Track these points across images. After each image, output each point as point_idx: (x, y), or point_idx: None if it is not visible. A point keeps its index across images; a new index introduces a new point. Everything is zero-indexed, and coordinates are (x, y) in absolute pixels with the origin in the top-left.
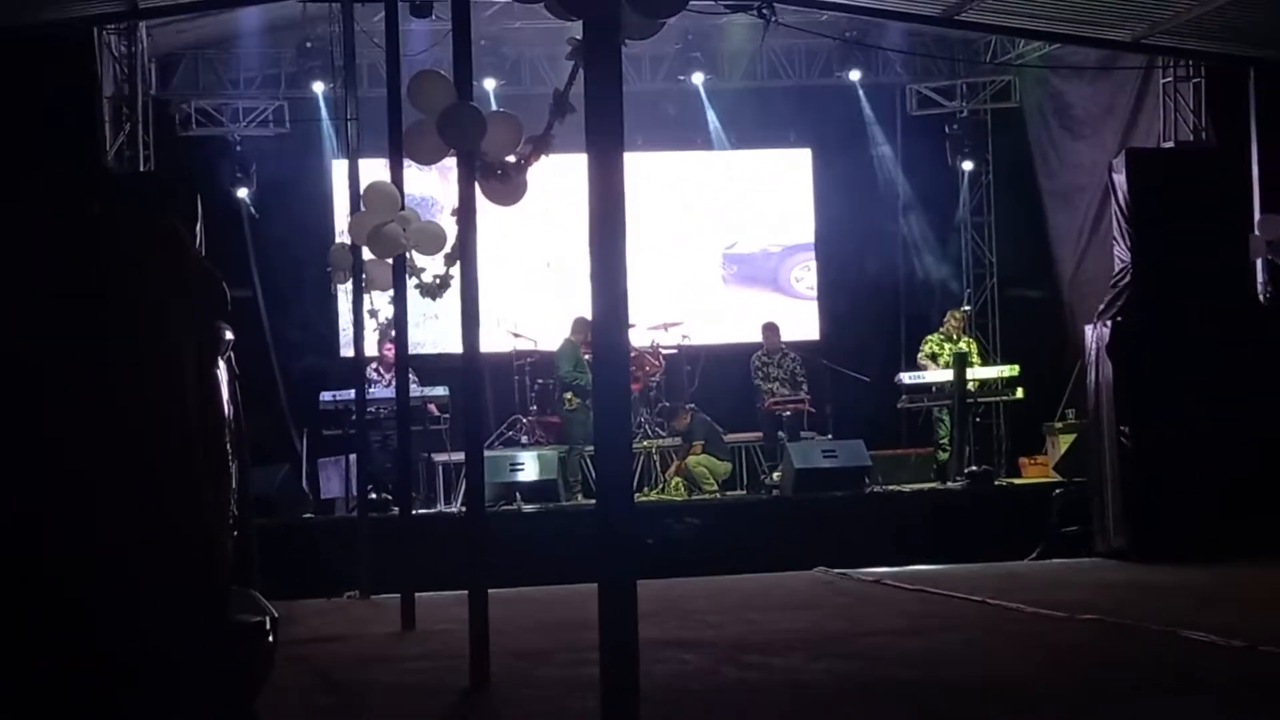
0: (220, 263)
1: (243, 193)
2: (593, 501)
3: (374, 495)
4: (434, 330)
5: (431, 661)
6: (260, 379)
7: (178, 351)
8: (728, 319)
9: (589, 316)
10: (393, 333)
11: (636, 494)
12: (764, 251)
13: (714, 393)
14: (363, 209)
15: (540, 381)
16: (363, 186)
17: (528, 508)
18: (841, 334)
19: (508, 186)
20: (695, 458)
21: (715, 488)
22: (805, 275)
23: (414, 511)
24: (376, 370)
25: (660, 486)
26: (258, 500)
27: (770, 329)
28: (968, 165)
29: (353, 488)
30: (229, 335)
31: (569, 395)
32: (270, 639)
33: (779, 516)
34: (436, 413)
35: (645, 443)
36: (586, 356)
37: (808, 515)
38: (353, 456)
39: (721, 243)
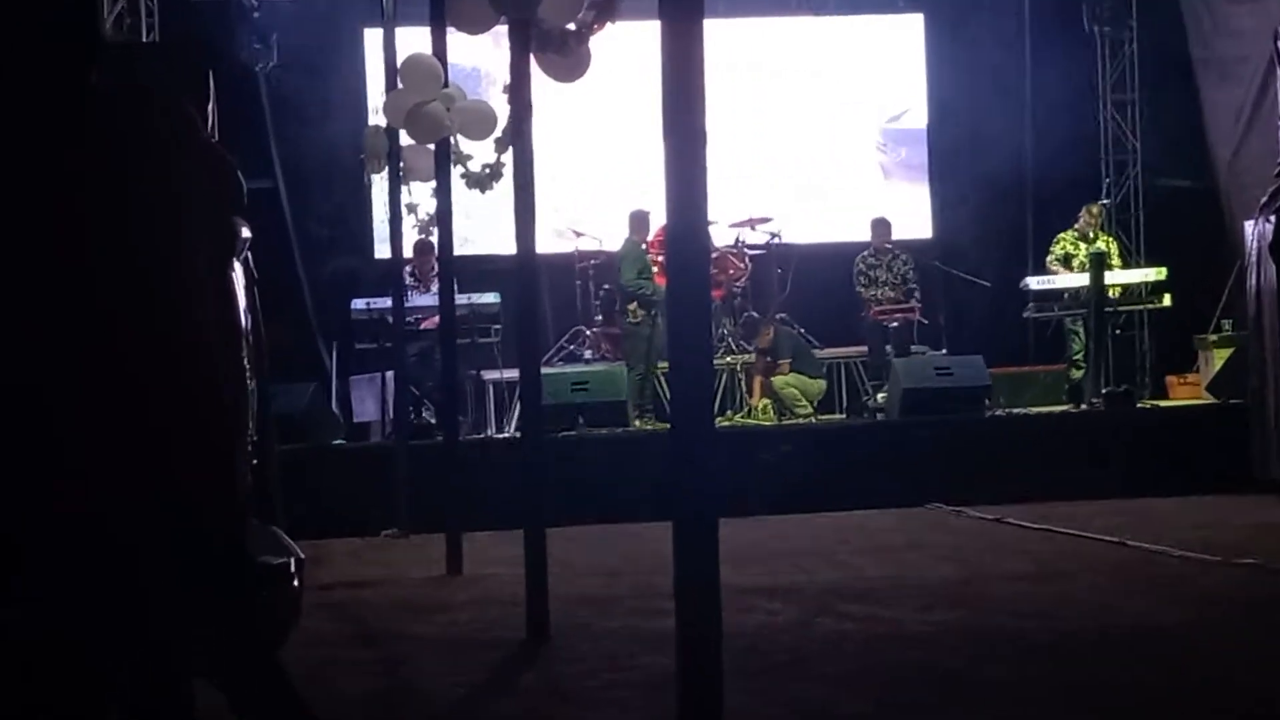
0: (235, 147)
1: (261, 66)
2: (666, 426)
3: (415, 418)
4: (483, 227)
5: (481, 610)
6: (282, 284)
7: (188, 249)
8: (825, 214)
9: (654, 211)
10: (435, 230)
11: (717, 418)
12: (867, 135)
13: (809, 300)
14: (400, 86)
15: (606, 288)
16: (400, 59)
17: (593, 433)
18: (958, 232)
19: (568, 59)
20: (782, 377)
21: (809, 410)
22: (916, 163)
23: (461, 437)
24: (414, 274)
25: (745, 409)
26: (280, 423)
27: (880, 225)
28: (1108, 32)
29: (390, 410)
30: (246, 233)
31: (632, 307)
32: (296, 583)
33: (884, 444)
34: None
35: (728, 359)
36: (653, 258)
37: (917, 443)
38: (389, 374)
39: (817, 125)
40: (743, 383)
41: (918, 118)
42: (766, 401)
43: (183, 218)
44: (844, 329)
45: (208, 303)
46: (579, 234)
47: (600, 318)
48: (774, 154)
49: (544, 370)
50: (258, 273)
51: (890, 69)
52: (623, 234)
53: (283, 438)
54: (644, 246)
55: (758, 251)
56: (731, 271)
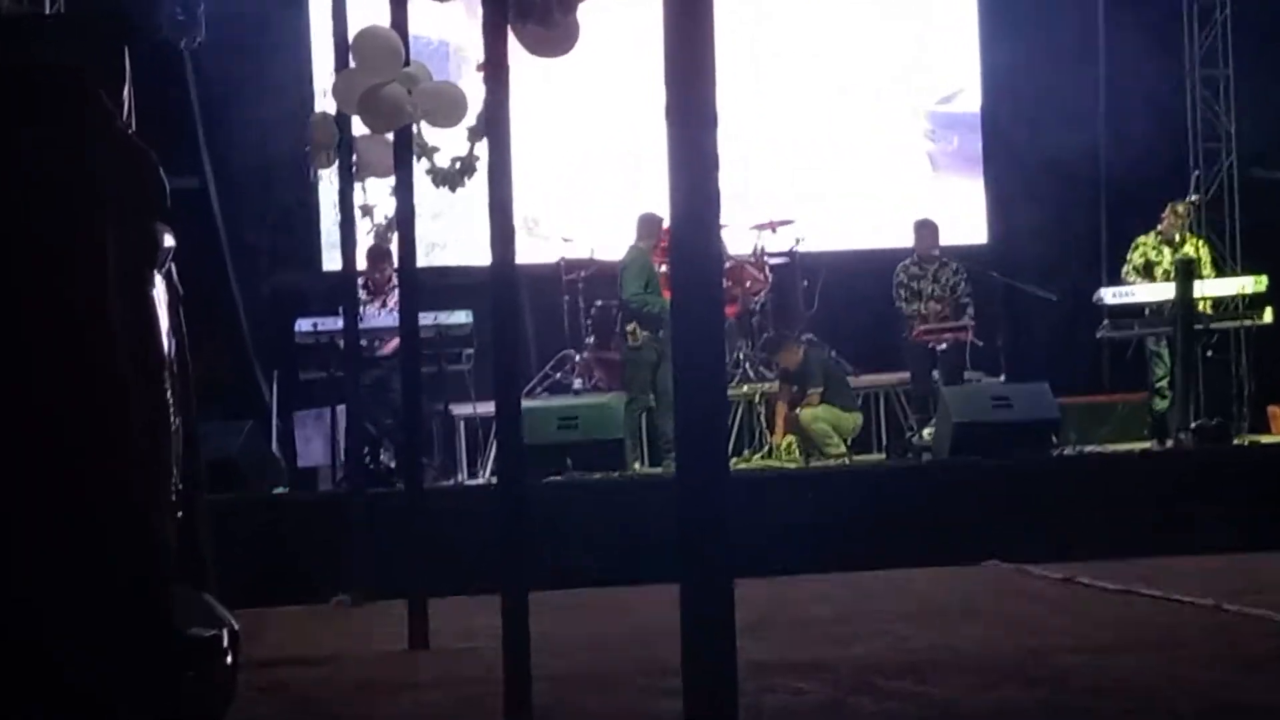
0: (156, 139)
1: (186, 42)
2: (672, 469)
3: (371, 462)
4: (452, 233)
5: (451, 691)
6: (214, 301)
7: (98, 260)
8: (860, 215)
9: (661, 214)
10: (394, 236)
11: (734, 459)
12: (912, 121)
13: (842, 318)
14: (352, 64)
15: (599, 304)
16: (352, 32)
17: (584, 478)
18: (1018, 236)
19: (552, 31)
20: (811, 410)
21: (841, 449)
22: (970, 153)
23: (426, 485)
24: (368, 287)
25: (766, 448)
26: (211, 468)
27: (925, 229)
28: None
29: (341, 452)
30: (169, 241)
31: (632, 327)
32: (229, 660)
33: (931, 489)
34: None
35: (745, 388)
36: (663, 269)
37: (972, 487)
38: (341, 409)
39: (852, 108)
40: (763, 416)
41: (972, 100)
42: (791, 439)
43: (91, 223)
44: (883, 352)
45: (121, 325)
46: (566, 240)
47: (592, 340)
48: (799, 143)
49: (525, 403)
50: (184, 288)
51: (939, 41)
52: (620, 240)
53: (214, 486)
54: (652, 256)
55: (780, 260)
56: (749, 284)
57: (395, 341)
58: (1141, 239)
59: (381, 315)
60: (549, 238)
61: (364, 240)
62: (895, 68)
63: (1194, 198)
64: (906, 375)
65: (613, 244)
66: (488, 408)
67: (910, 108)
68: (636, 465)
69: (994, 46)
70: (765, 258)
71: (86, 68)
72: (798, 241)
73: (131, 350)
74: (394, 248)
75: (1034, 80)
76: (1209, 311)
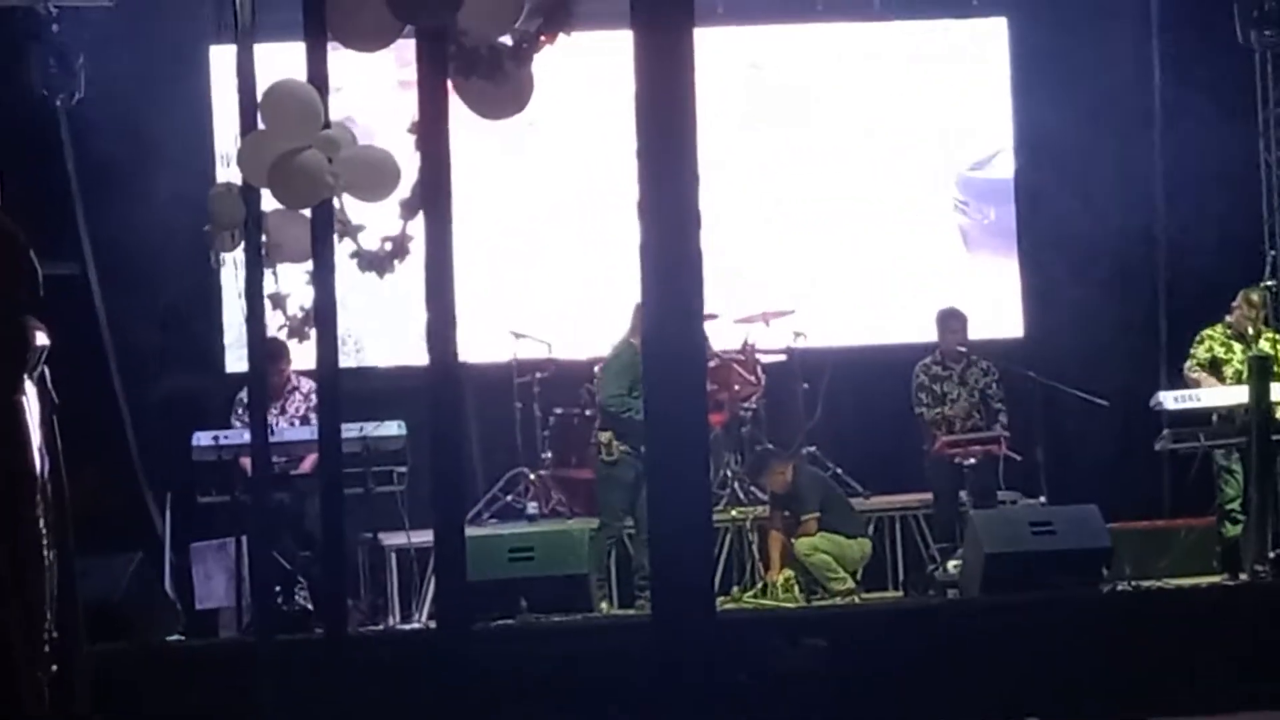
0: (27, 217)
1: (62, 99)
2: (646, 612)
3: (283, 603)
4: (382, 328)
5: None
6: (94, 410)
7: None
8: (872, 303)
9: None
10: (310, 331)
11: (722, 598)
12: (931, 190)
13: (848, 426)
14: (261, 125)
15: (558, 412)
16: (261, 88)
17: (541, 621)
18: (1061, 328)
19: (501, 87)
20: (808, 539)
21: (848, 585)
22: (1006, 228)
23: (351, 630)
24: (282, 394)
25: (760, 584)
26: (92, 612)
27: (951, 320)
28: (1270, 39)
29: (247, 591)
30: (42, 339)
31: (607, 438)
32: None
33: (958, 634)
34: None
35: (734, 512)
36: None
37: (1007, 631)
38: (246, 540)
39: (866, 175)
40: (756, 546)
41: (1003, 163)
42: (789, 574)
43: None
44: (900, 468)
45: None
46: (519, 335)
47: (550, 455)
48: (800, 218)
49: (470, 531)
50: (59, 396)
51: (970, 94)
52: (585, 336)
53: (95, 634)
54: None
55: (775, 358)
56: (737, 388)
57: (310, 459)
58: (1208, 332)
59: (286, 426)
60: (498, 333)
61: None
62: (918, 125)
63: (1270, 283)
64: (928, 496)
65: (576, 341)
66: (425, 537)
67: (936, 174)
68: (605, 605)
69: (1027, 101)
70: (757, 355)
71: None
72: (796, 336)
73: None
74: (308, 344)
75: (1076, 139)
76: None
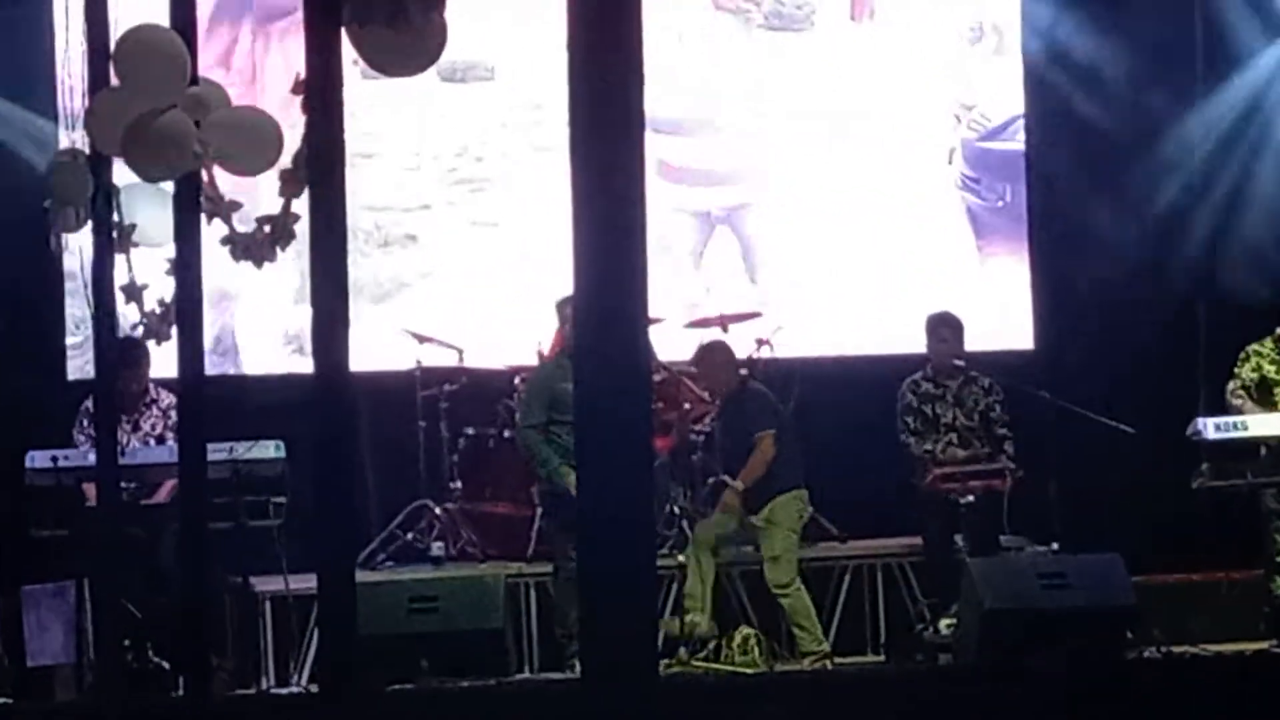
0: None
1: None
2: (574, 675)
3: (134, 660)
4: (256, 328)
5: None
6: None
7: None
8: (852, 306)
9: None
10: (170, 331)
11: (666, 660)
12: (925, 179)
13: (821, 455)
14: (115, 81)
15: (470, 433)
16: (114, 35)
17: (447, 687)
18: (1076, 343)
19: (405, 36)
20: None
21: (821, 646)
22: (1006, 227)
23: (215, 693)
24: (136, 405)
25: (712, 646)
26: None
27: (943, 328)
28: None
29: (90, 645)
30: None
31: (542, 463)
32: None
33: (951, 706)
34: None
35: (681, 556)
36: None
37: (1009, 704)
38: (87, 584)
39: (839, 160)
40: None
41: (1011, 142)
42: (747, 632)
43: None
44: (883, 507)
45: None
46: (423, 339)
47: (460, 485)
48: (768, 202)
49: (362, 576)
50: None
51: (965, 69)
52: (502, 341)
53: None
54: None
55: None
56: (688, 406)
57: (169, 485)
58: (1256, 348)
59: (137, 445)
60: (398, 336)
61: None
62: (907, 108)
63: None
64: (917, 540)
65: (493, 346)
66: (306, 583)
67: (925, 162)
68: (523, 668)
69: (1041, 79)
70: None
71: None
72: (760, 345)
73: None
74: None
75: (1098, 125)
76: None
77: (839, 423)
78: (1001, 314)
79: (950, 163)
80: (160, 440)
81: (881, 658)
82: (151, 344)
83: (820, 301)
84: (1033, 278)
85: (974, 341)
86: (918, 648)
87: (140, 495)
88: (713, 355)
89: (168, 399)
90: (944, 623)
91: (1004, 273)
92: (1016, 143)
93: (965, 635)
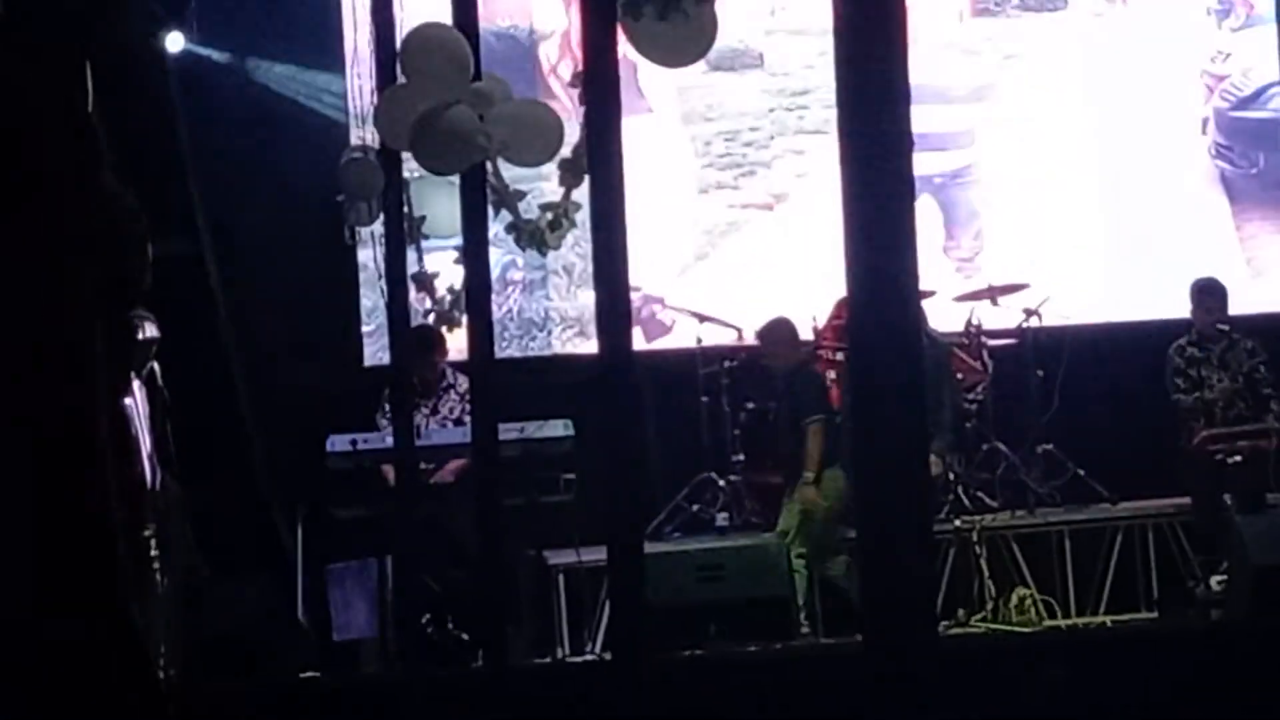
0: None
1: (174, 43)
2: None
3: (434, 633)
4: (543, 311)
5: None
6: (213, 410)
7: (51, 360)
8: (1115, 276)
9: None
10: (460, 317)
11: (945, 622)
12: (1179, 149)
13: (1090, 419)
14: (401, 78)
15: (751, 406)
16: (401, 32)
17: (736, 651)
18: None
19: (680, 28)
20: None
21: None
22: (1261, 193)
23: (512, 663)
24: (435, 390)
25: (990, 607)
26: (213, 644)
27: (1205, 297)
28: None
29: (392, 621)
30: (150, 332)
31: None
32: None
33: (1224, 659)
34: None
35: (958, 522)
36: (828, 357)
37: None
38: (390, 561)
39: (1102, 124)
40: (984, 560)
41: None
42: (1024, 592)
43: (42, 307)
44: (1152, 469)
45: (80, 450)
46: (703, 319)
47: (743, 458)
48: (1030, 176)
49: (651, 548)
50: (172, 395)
51: (1224, 19)
52: (778, 314)
53: (218, 668)
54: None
55: (1004, 342)
56: (960, 376)
57: (455, 465)
58: None
59: (434, 428)
60: (680, 316)
61: (429, 325)
62: (1168, 57)
63: None
64: (1186, 500)
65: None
66: (597, 555)
67: (1192, 114)
68: (808, 632)
69: None
70: (983, 339)
71: (30, 85)
72: (1029, 315)
73: (91, 483)
74: (458, 332)
75: None
76: None
77: (1107, 388)
78: (1260, 277)
79: (1204, 132)
80: (458, 423)
81: (1154, 614)
82: (444, 330)
83: (1083, 271)
84: None
85: (1235, 305)
86: (1190, 604)
87: (429, 475)
88: (776, 332)
89: (465, 383)
90: (1215, 579)
91: (1261, 238)
92: (1269, 111)
93: (1236, 592)
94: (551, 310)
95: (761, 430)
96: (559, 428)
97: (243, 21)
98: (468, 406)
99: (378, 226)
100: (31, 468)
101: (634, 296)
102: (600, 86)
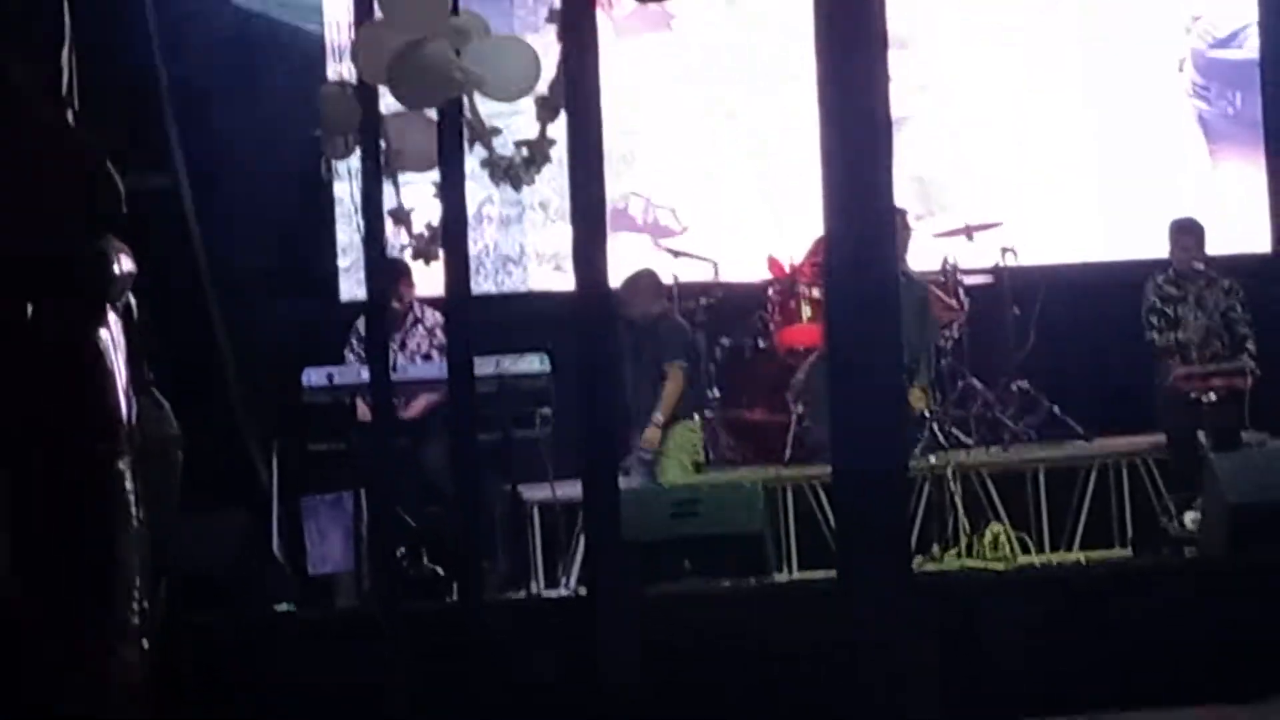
0: (106, 121)
1: None
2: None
3: (410, 567)
4: (518, 246)
5: None
6: (188, 343)
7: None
8: (1091, 214)
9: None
10: (437, 252)
11: (919, 558)
12: (1155, 88)
13: (1066, 357)
14: (378, 14)
15: (726, 343)
16: None
17: (710, 587)
18: None
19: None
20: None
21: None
22: (1250, 120)
23: (487, 597)
24: (403, 325)
25: (965, 543)
26: (189, 582)
27: (1184, 232)
28: None
29: (367, 552)
30: (126, 265)
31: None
32: None
33: (1198, 598)
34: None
35: (932, 459)
36: (804, 293)
37: (1257, 595)
38: (364, 493)
39: (1079, 61)
40: (958, 497)
41: (1248, 42)
42: (998, 529)
43: (16, 241)
44: (1127, 406)
45: (57, 382)
46: (677, 254)
47: (718, 394)
48: (1007, 113)
49: (625, 483)
50: (148, 331)
51: None
52: (753, 252)
53: (194, 601)
54: None
55: (980, 280)
56: (937, 314)
57: (422, 400)
58: None
59: (403, 363)
60: (654, 252)
61: (398, 258)
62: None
63: None
64: (1161, 438)
65: (746, 260)
66: (572, 490)
67: (1169, 53)
68: (783, 568)
69: None
70: (959, 276)
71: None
72: (1005, 253)
73: (69, 419)
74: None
75: None
76: None
77: (1083, 327)
78: (1237, 218)
79: (1180, 71)
80: (426, 358)
81: (1128, 551)
82: (419, 265)
83: (1058, 210)
84: (1270, 182)
85: (1212, 245)
86: (1164, 541)
87: (407, 407)
88: (638, 281)
89: (433, 318)
90: (1189, 517)
91: (1238, 177)
92: (1246, 51)
93: (1211, 529)
94: (527, 246)
95: (738, 367)
96: (535, 362)
97: None
98: (436, 341)
99: (354, 161)
100: (16, 389)
101: (638, 201)
102: (577, 22)
